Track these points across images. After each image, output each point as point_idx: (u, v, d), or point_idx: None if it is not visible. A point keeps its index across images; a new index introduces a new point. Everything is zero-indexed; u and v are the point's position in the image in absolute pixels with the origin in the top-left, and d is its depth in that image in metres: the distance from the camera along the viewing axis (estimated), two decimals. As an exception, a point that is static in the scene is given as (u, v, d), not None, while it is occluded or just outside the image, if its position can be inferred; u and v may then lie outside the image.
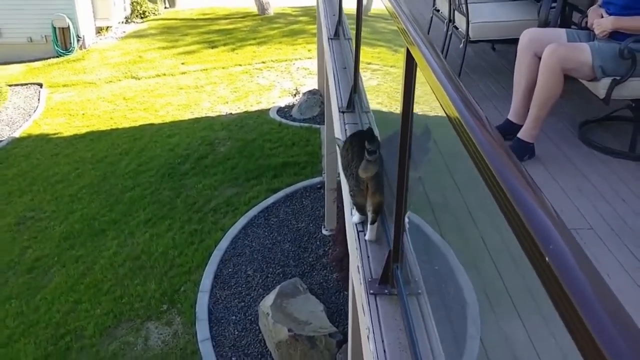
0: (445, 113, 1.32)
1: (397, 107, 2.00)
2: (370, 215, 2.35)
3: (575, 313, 0.67)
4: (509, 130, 3.28)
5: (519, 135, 3.12)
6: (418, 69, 1.74)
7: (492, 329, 2.65)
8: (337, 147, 2.61)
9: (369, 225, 2.39)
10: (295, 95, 11.90)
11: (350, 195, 2.45)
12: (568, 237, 0.76)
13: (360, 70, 4.80)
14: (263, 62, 14.05)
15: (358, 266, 2.35)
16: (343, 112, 3.70)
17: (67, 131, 11.30)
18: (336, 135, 3.62)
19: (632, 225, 2.51)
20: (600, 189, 2.80)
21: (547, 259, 0.73)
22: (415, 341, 1.85)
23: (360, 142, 2.29)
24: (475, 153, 1.06)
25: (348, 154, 2.40)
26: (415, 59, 1.71)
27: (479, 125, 1.13)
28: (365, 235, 2.43)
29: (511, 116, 3.32)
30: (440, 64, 1.50)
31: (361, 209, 2.44)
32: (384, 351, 1.87)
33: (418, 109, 2.03)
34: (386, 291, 2.11)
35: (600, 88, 2.96)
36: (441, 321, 2.80)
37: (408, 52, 1.81)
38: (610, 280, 2.22)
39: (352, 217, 2.55)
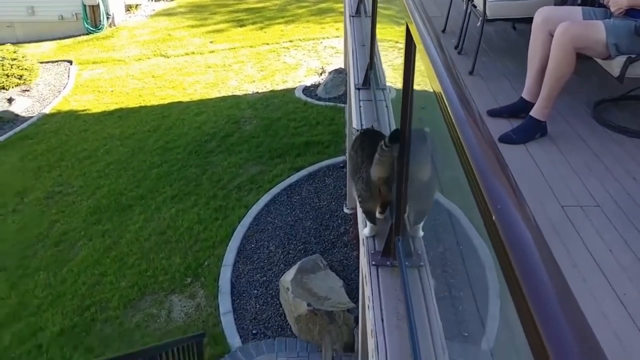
0: (433, 89, 1.36)
1: (418, 85, 2.01)
2: (378, 213, 2.25)
3: (511, 268, 0.71)
4: (522, 108, 3.29)
5: (531, 113, 3.12)
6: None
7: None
8: (350, 137, 2.51)
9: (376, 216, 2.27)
10: (321, 74, 11.90)
11: (359, 201, 2.25)
12: (517, 202, 0.80)
13: (387, 49, 4.81)
14: (290, 41, 14.05)
15: (363, 239, 2.40)
16: (359, 89, 3.74)
17: (96, 108, 11.48)
18: (353, 124, 3.61)
19: (639, 201, 2.52)
20: (610, 167, 2.80)
21: (494, 216, 0.77)
22: (411, 312, 1.90)
23: (373, 143, 2.09)
24: (451, 125, 1.10)
25: (357, 156, 2.20)
26: (413, 38, 1.74)
27: (459, 97, 1.17)
28: (365, 230, 2.33)
29: (525, 94, 3.32)
30: (436, 43, 1.51)
31: (371, 216, 2.26)
32: (382, 320, 1.93)
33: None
34: (388, 263, 2.16)
35: (615, 66, 2.95)
36: (448, 295, 2.85)
37: (408, 30, 1.83)
38: (614, 257, 2.24)
39: (363, 229, 2.37)
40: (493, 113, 3.38)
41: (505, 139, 3.07)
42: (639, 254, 2.24)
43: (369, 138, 2.18)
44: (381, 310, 1.96)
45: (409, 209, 2.13)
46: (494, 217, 0.77)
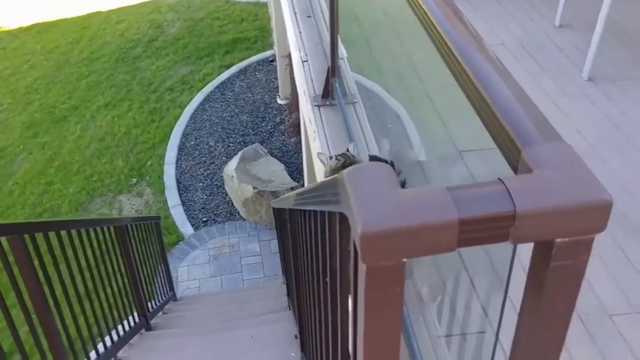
0: None
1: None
2: None
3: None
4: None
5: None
6: None
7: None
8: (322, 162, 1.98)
9: None
10: (240, -29, 11.80)
11: None
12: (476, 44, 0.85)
13: None
14: (204, -60, 13.74)
15: (304, 90, 2.72)
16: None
17: (10, 24, 11.15)
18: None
19: (536, 38, 2.91)
20: (514, 14, 3.17)
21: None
22: (351, 134, 2.26)
23: None
24: None
25: None
26: None
27: None
28: None
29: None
30: None
31: None
32: (327, 144, 2.28)
33: None
34: (327, 102, 2.50)
35: None
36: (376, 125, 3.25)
37: None
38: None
39: None
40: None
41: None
42: (535, 77, 2.66)
43: None
44: (326, 137, 2.31)
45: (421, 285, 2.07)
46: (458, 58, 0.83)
